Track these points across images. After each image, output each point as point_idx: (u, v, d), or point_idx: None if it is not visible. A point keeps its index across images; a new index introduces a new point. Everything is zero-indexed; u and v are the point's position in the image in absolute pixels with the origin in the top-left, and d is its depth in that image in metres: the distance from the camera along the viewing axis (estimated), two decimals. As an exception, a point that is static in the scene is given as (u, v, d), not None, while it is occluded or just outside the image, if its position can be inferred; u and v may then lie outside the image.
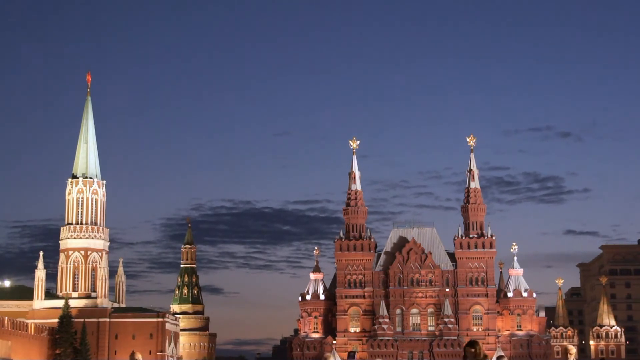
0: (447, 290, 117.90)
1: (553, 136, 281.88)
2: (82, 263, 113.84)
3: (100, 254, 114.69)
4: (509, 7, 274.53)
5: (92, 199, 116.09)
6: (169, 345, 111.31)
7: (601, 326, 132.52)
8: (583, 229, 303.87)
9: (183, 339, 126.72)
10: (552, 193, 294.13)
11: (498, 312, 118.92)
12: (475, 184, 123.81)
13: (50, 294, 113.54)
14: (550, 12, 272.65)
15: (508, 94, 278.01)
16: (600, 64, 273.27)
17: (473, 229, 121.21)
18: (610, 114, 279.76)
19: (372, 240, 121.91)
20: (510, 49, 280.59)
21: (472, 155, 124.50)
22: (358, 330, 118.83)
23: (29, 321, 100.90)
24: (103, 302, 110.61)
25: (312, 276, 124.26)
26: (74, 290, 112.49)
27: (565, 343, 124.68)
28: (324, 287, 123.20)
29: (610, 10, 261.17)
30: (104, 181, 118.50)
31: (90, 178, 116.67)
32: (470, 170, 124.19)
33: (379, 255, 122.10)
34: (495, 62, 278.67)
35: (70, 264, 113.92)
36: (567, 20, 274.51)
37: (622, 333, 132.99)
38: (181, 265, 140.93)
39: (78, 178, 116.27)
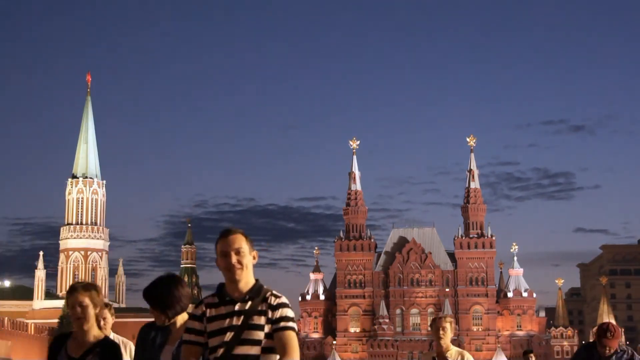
0: (447, 290, 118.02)
1: (565, 130, 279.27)
2: (82, 263, 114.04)
3: (100, 254, 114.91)
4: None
5: (92, 199, 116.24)
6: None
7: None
8: (593, 227, 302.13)
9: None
10: (562, 189, 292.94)
11: (498, 312, 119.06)
12: (475, 184, 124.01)
13: (50, 294, 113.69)
14: (567, 3, 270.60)
15: (520, 88, 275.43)
16: (617, 57, 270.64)
17: (473, 229, 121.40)
18: (626, 106, 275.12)
19: (372, 240, 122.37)
20: (523, 42, 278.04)
21: (472, 155, 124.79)
22: (358, 330, 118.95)
23: (29, 321, 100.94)
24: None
25: (312, 276, 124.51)
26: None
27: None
28: (324, 287, 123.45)
29: (627, 2, 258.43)
30: (104, 181, 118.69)
31: (90, 178, 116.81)
32: (470, 170, 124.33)
33: (379, 255, 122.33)
34: (505, 56, 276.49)
35: (70, 264, 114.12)
36: (583, 12, 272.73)
37: (622, 333, 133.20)
38: (181, 266, 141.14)
39: (78, 178, 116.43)
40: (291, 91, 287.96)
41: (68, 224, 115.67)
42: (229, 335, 4.49)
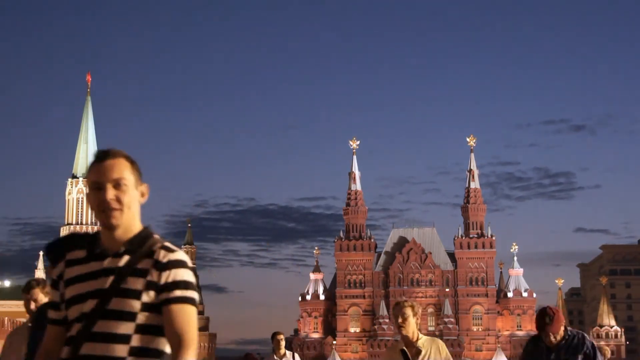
0: (447, 290, 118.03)
1: (565, 130, 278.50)
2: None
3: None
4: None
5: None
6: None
7: (601, 326, 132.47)
8: (593, 227, 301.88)
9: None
10: (562, 189, 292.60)
11: (498, 312, 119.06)
12: (475, 184, 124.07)
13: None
14: (567, 3, 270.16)
15: (520, 88, 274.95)
16: (617, 57, 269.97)
17: (473, 229, 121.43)
18: (626, 106, 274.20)
19: (372, 240, 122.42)
20: (523, 42, 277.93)
21: (472, 155, 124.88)
22: (358, 330, 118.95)
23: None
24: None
25: (312, 276, 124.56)
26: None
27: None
28: (324, 287, 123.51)
29: (626, 2, 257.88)
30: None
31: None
32: (470, 170, 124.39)
33: (379, 255, 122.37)
34: (505, 56, 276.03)
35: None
36: (583, 13, 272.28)
37: (622, 333, 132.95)
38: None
39: (78, 178, 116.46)
40: (291, 91, 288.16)
41: (68, 224, 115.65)
42: (90, 305, 2.96)
